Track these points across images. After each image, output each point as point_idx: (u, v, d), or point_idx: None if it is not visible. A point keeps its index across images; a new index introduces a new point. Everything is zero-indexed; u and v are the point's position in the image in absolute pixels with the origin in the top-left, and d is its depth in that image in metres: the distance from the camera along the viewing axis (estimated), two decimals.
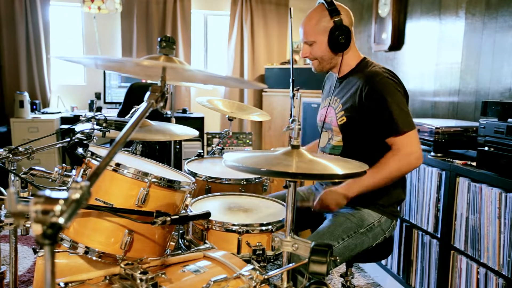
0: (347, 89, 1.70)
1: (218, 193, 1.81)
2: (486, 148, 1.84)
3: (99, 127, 1.66)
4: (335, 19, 1.65)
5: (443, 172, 2.08)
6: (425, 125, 2.23)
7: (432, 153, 2.19)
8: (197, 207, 1.60)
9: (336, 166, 1.11)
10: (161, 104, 0.92)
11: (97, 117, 1.67)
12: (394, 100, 1.57)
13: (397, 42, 3.32)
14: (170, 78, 1.07)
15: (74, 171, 1.42)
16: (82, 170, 1.30)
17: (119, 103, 4.47)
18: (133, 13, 4.68)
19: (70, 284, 1.11)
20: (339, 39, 1.65)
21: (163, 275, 1.10)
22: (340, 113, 1.70)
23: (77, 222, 1.22)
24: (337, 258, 1.45)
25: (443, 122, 2.30)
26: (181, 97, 4.93)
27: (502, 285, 1.74)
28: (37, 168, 1.44)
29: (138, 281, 1.05)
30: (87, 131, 1.57)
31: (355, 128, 1.67)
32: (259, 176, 2.05)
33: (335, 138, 1.75)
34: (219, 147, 2.60)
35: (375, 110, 1.60)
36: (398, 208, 1.77)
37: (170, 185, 1.27)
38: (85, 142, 1.48)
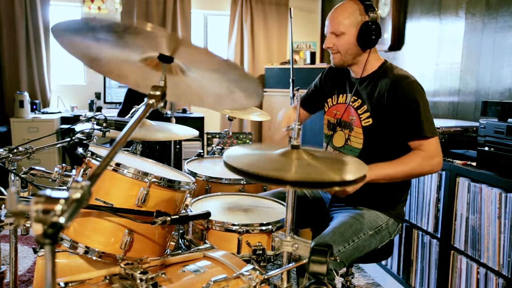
0: (373, 90, 1.65)
1: (218, 193, 1.81)
2: (486, 148, 1.84)
3: (99, 127, 1.67)
4: (371, 15, 1.63)
5: (443, 172, 2.08)
6: None
7: None
8: (197, 207, 1.60)
9: (336, 171, 1.10)
10: (161, 104, 0.92)
11: (97, 117, 1.67)
12: (423, 104, 1.56)
13: (397, 42, 3.32)
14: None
15: (74, 171, 1.42)
16: (82, 170, 1.30)
17: (119, 103, 4.48)
18: (133, 13, 4.68)
19: (70, 284, 1.11)
20: (371, 35, 1.62)
21: (163, 275, 1.10)
22: (365, 115, 1.66)
23: (77, 222, 1.22)
24: (337, 258, 1.46)
25: (443, 122, 2.30)
26: None
27: (502, 285, 1.74)
28: (37, 168, 1.44)
29: (138, 281, 1.05)
30: (87, 131, 1.57)
31: (380, 131, 1.64)
32: None
33: (353, 139, 1.70)
34: (219, 147, 2.60)
35: (403, 112, 1.57)
36: (404, 210, 1.77)
37: (170, 185, 1.27)
38: (85, 142, 1.48)
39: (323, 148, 1.86)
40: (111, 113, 3.99)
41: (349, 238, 1.55)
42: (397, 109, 1.58)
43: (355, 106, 1.71)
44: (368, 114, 1.66)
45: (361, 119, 1.67)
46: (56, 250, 1.25)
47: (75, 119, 4.17)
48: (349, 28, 1.63)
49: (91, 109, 4.60)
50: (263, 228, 1.45)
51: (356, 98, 1.71)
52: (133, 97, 3.72)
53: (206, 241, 1.45)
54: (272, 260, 1.44)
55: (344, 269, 1.80)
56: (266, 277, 1.12)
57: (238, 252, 1.42)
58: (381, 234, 1.64)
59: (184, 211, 1.36)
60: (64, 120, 4.34)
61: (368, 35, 1.63)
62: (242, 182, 1.99)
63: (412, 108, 1.56)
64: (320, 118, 1.92)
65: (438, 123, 2.23)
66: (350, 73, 1.78)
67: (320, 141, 1.91)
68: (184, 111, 4.73)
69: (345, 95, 1.78)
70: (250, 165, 1.02)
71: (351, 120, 1.71)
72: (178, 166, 4.10)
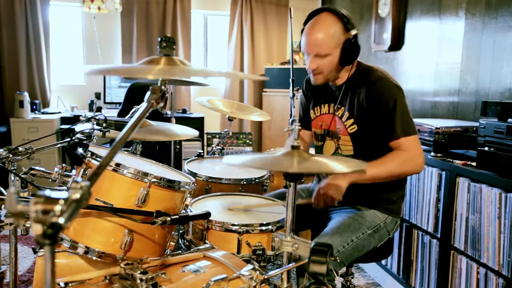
0: (353, 97, 1.65)
1: (218, 193, 1.81)
2: (486, 148, 1.84)
3: (99, 127, 1.66)
4: (352, 33, 1.58)
5: (443, 172, 2.08)
6: (425, 125, 2.23)
7: (432, 153, 2.19)
8: (197, 207, 1.60)
9: (337, 164, 1.13)
10: (161, 104, 0.92)
11: (97, 117, 1.66)
12: (400, 103, 1.57)
13: (397, 42, 3.32)
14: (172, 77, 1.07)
15: (74, 171, 1.42)
16: (82, 170, 1.30)
17: (119, 103, 4.47)
18: (133, 13, 4.68)
19: (70, 284, 1.12)
20: (353, 52, 1.60)
21: (163, 275, 1.10)
22: (349, 122, 1.66)
23: (77, 222, 1.22)
24: (337, 258, 1.46)
25: (443, 122, 2.30)
26: (181, 97, 4.93)
27: (502, 285, 1.74)
28: (37, 168, 1.44)
29: (138, 281, 1.05)
30: (87, 131, 1.57)
31: (367, 136, 1.64)
32: (260, 176, 2.05)
33: (343, 147, 1.70)
34: (219, 147, 2.60)
35: (379, 113, 1.58)
36: (402, 206, 1.77)
37: (170, 185, 1.27)
38: (85, 142, 1.48)
39: None
40: (111, 113, 3.99)
41: (348, 238, 1.55)
42: (375, 111, 1.59)
43: (339, 115, 1.71)
44: (352, 121, 1.66)
45: (346, 127, 1.67)
46: (56, 250, 1.25)
47: (75, 119, 4.17)
48: (333, 49, 1.59)
49: (91, 109, 4.60)
50: (263, 228, 1.45)
51: (339, 106, 1.71)
52: (133, 97, 3.72)
53: (206, 241, 1.45)
54: (272, 260, 1.44)
55: (344, 269, 1.80)
56: (266, 277, 1.12)
57: (238, 252, 1.42)
58: (380, 233, 1.65)
59: (184, 211, 1.36)
60: (64, 120, 4.34)
61: (351, 53, 1.60)
62: (242, 182, 1.99)
63: (388, 109, 1.57)
64: None
65: (438, 123, 2.23)
66: (328, 82, 1.75)
67: None
68: (184, 111, 4.73)
69: (327, 104, 1.77)
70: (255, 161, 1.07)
71: (337, 129, 1.71)
72: (178, 166, 4.10)
